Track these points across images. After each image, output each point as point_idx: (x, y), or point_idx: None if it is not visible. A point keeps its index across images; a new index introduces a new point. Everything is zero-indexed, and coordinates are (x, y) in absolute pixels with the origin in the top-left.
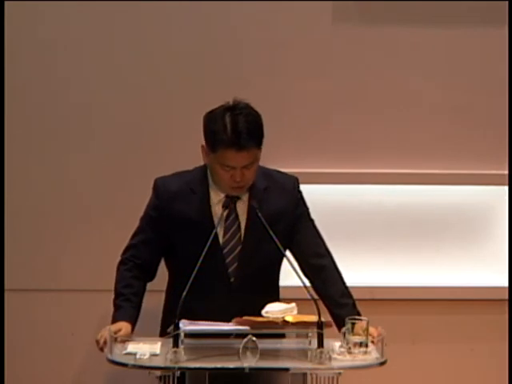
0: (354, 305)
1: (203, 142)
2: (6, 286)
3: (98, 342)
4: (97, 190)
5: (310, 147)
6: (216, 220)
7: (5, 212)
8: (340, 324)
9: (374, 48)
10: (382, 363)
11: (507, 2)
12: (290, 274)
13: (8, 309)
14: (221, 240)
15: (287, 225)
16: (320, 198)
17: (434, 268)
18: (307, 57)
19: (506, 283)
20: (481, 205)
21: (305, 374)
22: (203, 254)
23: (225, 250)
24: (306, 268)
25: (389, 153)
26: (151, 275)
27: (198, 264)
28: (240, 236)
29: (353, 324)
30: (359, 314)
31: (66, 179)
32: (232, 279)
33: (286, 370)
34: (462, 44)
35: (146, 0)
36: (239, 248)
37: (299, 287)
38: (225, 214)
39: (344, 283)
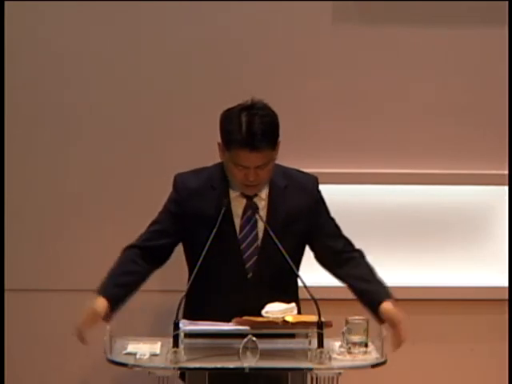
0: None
1: (219, 140)
2: (6, 286)
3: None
4: (97, 190)
5: (310, 147)
6: (234, 215)
7: (5, 212)
8: (368, 298)
9: (374, 48)
10: (382, 363)
11: (507, 2)
12: None
13: (8, 309)
14: (238, 236)
15: (307, 223)
16: None
17: (434, 268)
18: (307, 57)
19: (506, 283)
20: (481, 205)
21: (305, 374)
22: (203, 249)
23: (242, 246)
24: (329, 262)
25: (389, 153)
26: (161, 260)
27: (201, 256)
28: (257, 233)
29: (353, 324)
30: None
31: (67, 179)
32: (250, 275)
33: (286, 369)
34: (462, 44)
35: (146, 0)
36: (256, 245)
37: (299, 287)
38: (240, 210)
39: (376, 273)
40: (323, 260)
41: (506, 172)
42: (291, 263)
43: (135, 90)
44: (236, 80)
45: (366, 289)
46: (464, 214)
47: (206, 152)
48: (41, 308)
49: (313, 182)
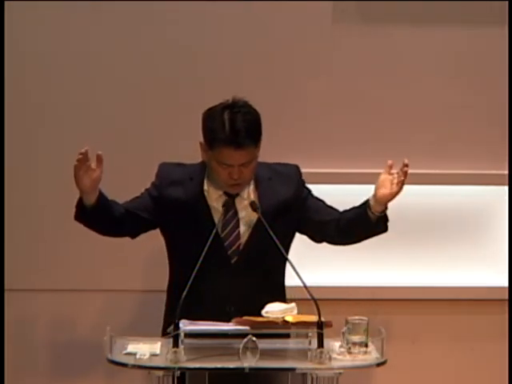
0: None
1: (201, 139)
2: (6, 286)
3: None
4: None
5: (310, 147)
6: (214, 212)
7: (5, 212)
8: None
9: (374, 48)
10: (382, 363)
11: (507, 2)
12: (290, 274)
13: (8, 309)
14: (221, 235)
15: (295, 211)
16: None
17: (434, 268)
18: (307, 57)
19: (506, 283)
20: (481, 205)
21: (305, 374)
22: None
23: (225, 244)
24: (326, 231)
25: (389, 153)
26: (131, 228)
27: (198, 264)
28: (239, 232)
29: (353, 324)
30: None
31: (66, 179)
32: (232, 267)
33: (286, 369)
34: (461, 44)
35: (147, 0)
36: (238, 244)
37: (299, 287)
38: (222, 209)
39: None
40: (324, 235)
41: (506, 172)
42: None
43: (135, 91)
44: (236, 80)
45: (354, 207)
46: (464, 214)
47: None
48: (41, 308)
49: (295, 170)
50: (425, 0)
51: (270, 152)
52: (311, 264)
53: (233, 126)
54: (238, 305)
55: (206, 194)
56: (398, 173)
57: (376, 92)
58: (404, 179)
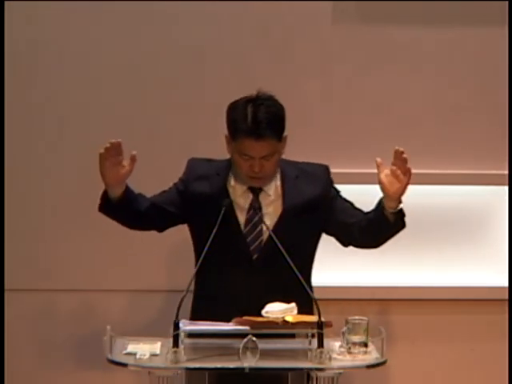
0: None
1: (226, 132)
2: (6, 286)
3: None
4: (97, 190)
5: (310, 147)
6: (237, 208)
7: (5, 212)
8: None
9: (374, 48)
10: (382, 363)
11: (507, 2)
12: None
13: (8, 309)
14: (243, 231)
15: (321, 211)
16: None
17: (435, 268)
18: (307, 57)
19: (506, 283)
20: (481, 205)
21: (305, 374)
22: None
23: (248, 240)
24: (350, 233)
25: (389, 153)
26: (156, 221)
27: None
28: (261, 228)
29: (353, 324)
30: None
31: (66, 179)
32: (255, 265)
33: (286, 369)
34: (462, 44)
35: (147, 0)
36: (259, 240)
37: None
38: (247, 205)
39: None
40: (349, 238)
41: (506, 172)
42: (292, 265)
43: (137, 90)
44: (236, 80)
45: (371, 210)
46: (464, 214)
47: (211, 151)
48: (41, 308)
49: (323, 170)
50: (425, 0)
51: None
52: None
53: (255, 117)
54: (259, 302)
55: (230, 189)
56: (395, 164)
57: (376, 92)
58: (409, 167)
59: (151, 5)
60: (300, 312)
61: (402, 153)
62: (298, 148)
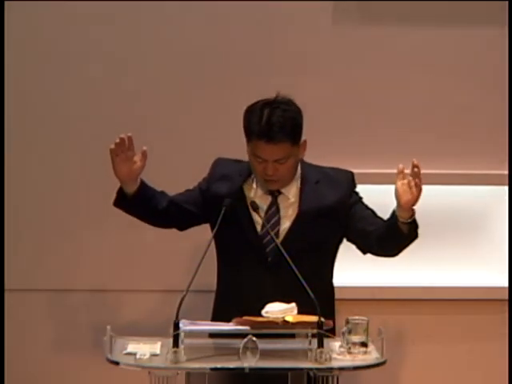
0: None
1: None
2: (6, 286)
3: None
4: (97, 190)
5: (310, 147)
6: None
7: (5, 212)
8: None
9: (374, 48)
10: (382, 363)
11: (507, 2)
12: None
13: (8, 309)
14: (259, 230)
15: (342, 217)
16: None
17: (435, 268)
18: (307, 57)
19: (506, 283)
20: (481, 205)
21: (305, 374)
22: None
23: (264, 241)
24: (368, 241)
25: (389, 153)
26: (177, 220)
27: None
28: (278, 230)
29: (353, 324)
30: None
31: (66, 179)
32: (270, 266)
33: (286, 369)
34: (462, 44)
35: (147, 0)
36: (274, 243)
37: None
38: (265, 207)
39: None
40: (367, 246)
41: (506, 172)
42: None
43: (137, 90)
44: (236, 80)
45: (386, 220)
46: (464, 214)
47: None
48: (41, 308)
49: (347, 176)
50: (425, 0)
51: None
52: None
53: (268, 119)
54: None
55: (246, 190)
56: (411, 175)
57: (376, 92)
58: (420, 181)
59: (151, 5)
60: (320, 314)
61: (415, 166)
62: None
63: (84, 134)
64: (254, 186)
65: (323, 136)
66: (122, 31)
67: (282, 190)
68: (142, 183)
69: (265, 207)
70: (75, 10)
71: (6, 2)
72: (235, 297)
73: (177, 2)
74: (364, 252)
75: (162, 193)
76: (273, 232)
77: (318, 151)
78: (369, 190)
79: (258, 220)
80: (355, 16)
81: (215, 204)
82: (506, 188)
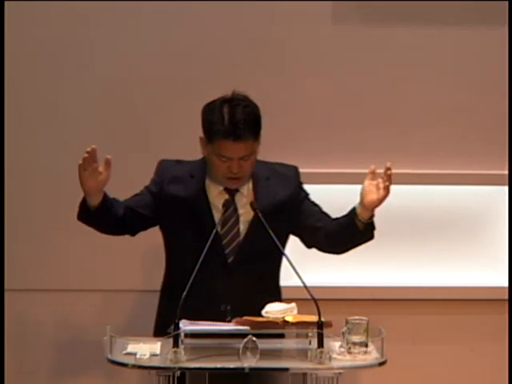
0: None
1: (201, 134)
2: (6, 286)
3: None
4: None
5: (310, 147)
6: (214, 209)
7: (5, 212)
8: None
9: (373, 48)
10: (382, 363)
11: (507, 2)
12: (290, 274)
13: (8, 309)
14: (220, 232)
15: (291, 213)
16: (320, 198)
17: (435, 268)
18: (307, 57)
19: (505, 283)
20: (481, 205)
21: (305, 374)
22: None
23: (224, 242)
24: (316, 237)
25: (389, 153)
26: (130, 226)
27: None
28: (238, 230)
29: (353, 324)
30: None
31: (66, 179)
32: (230, 267)
33: (286, 369)
34: (461, 44)
35: (147, 0)
36: (236, 242)
37: (299, 287)
38: (222, 207)
39: None
40: (314, 242)
41: (506, 172)
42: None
43: (135, 91)
44: (236, 80)
45: (342, 216)
46: (464, 214)
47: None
48: (41, 308)
49: (293, 171)
50: (425, 0)
51: (268, 152)
52: (311, 264)
53: (232, 118)
54: (234, 304)
55: (207, 191)
56: (382, 177)
57: (376, 92)
58: (390, 183)
59: (148, 5)
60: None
61: (388, 169)
62: (297, 148)
63: (83, 135)
64: (208, 185)
65: (323, 136)
66: (121, 31)
67: (239, 188)
68: (104, 194)
69: (221, 207)
70: (75, 9)
71: (5, 2)
72: (191, 298)
73: (177, 3)
74: (309, 246)
75: (116, 200)
76: (232, 232)
77: (317, 151)
78: None
79: (216, 220)
80: (355, 16)
81: (172, 206)
82: (506, 188)
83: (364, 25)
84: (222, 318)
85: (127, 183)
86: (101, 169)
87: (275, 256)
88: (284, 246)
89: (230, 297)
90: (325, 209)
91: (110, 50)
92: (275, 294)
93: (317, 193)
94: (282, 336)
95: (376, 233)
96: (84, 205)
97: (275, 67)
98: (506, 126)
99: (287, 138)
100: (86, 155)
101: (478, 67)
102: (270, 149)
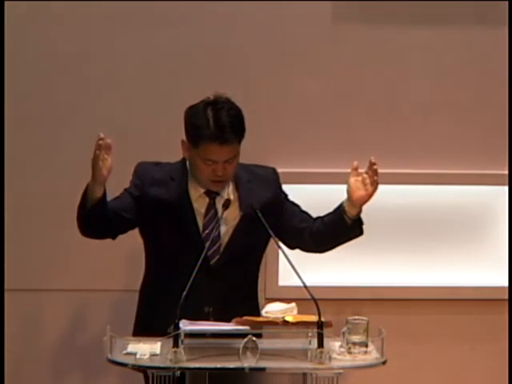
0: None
1: (183, 138)
2: (6, 286)
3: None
4: None
5: (310, 147)
6: (196, 213)
7: (5, 212)
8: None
9: (373, 48)
10: (382, 363)
11: (507, 2)
12: (290, 274)
13: (8, 309)
14: (202, 235)
15: (273, 215)
16: (320, 198)
17: (434, 268)
18: (307, 57)
19: (505, 283)
20: (481, 205)
21: (305, 374)
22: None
23: (206, 244)
24: (300, 237)
25: (389, 153)
26: (112, 227)
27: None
28: (219, 232)
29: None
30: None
31: (66, 179)
32: (212, 269)
33: (286, 369)
34: (462, 44)
35: (147, 0)
36: (218, 245)
37: (299, 287)
38: (203, 209)
39: None
40: (298, 242)
41: (506, 172)
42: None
43: (133, 92)
44: (236, 80)
45: (328, 213)
46: (464, 214)
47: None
48: (41, 308)
49: (272, 173)
50: (425, 0)
51: (268, 152)
52: (311, 264)
53: (217, 121)
54: (217, 305)
55: (190, 194)
56: (367, 173)
57: (376, 92)
58: (377, 178)
59: (147, 5)
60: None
61: (374, 164)
62: (297, 148)
63: (83, 135)
64: (189, 188)
65: (323, 135)
66: (121, 31)
67: (219, 192)
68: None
69: (203, 210)
70: (75, 9)
71: (5, 2)
72: (174, 300)
73: (177, 2)
74: (292, 247)
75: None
76: (214, 235)
77: (317, 151)
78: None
79: (199, 223)
80: (355, 16)
81: (155, 209)
82: (506, 188)
83: (364, 24)
84: (205, 320)
85: (125, 186)
86: (105, 155)
87: (256, 257)
88: (265, 248)
89: (213, 298)
90: (321, 209)
91: (111, 50)
92: (254, 295)
93: (315, 193)
94: (286, 336)
95: (376, 233)
96: (84, 201)
97: (274, 66)
98: (506, 125)
99: (286, 138)
100: (99, 143)
101: (478, 67)
102: (269, 149)
